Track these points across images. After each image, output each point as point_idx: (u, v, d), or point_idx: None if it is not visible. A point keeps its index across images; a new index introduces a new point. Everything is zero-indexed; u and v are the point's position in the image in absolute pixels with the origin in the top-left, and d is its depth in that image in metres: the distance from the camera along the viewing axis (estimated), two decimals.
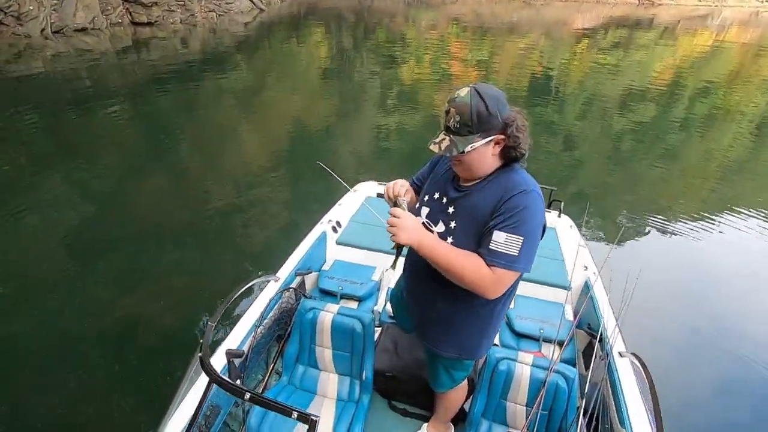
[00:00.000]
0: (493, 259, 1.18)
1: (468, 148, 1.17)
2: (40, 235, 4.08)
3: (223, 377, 1.26)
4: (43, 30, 12.30)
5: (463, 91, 1.17)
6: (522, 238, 1.16)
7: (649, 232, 4.61)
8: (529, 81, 11.27)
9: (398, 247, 1.28)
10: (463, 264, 1.19)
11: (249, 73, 11.01)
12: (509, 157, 1.24)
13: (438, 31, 19.55)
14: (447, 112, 1.19)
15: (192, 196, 5.00)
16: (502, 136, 1.19)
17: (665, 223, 4.77)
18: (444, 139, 1.20)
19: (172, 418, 1.45)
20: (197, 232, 4.27)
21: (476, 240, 1.24)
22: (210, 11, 17.95)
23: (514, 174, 1.25)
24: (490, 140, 1.19)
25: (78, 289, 3.41)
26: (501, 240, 1.17)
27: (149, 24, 15.25)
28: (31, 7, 11.88)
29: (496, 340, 2.17)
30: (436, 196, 1.37)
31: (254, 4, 20.99)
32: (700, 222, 4.82)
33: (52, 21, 12.57)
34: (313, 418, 1.12)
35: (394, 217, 1.22)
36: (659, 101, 9.67)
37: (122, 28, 14.55)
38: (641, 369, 1.67)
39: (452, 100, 1.18)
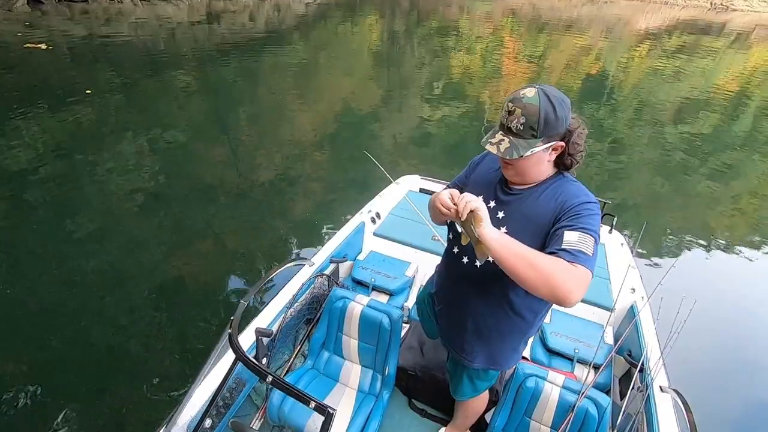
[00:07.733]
0: (575, 257, 0.97)
1: (528, 153, 1.01)
2: (110, 180, 4.30)
3: (249, 357, 1.22)
4: None
5: (530, 92, 0.99)
6: (593, 238, 1.01)
7: (711, 259, 4.05)
8: (582, 80, 10.42)
9: (466, 227, 1.01)
10: (549, 262, 0.97)
11: (304, 51, 10.89)
12: (562, 164, 1.11)
13: (492, 22, 18.46)
14: (510, 112, 1.00)
15: (243, 163, 5.06)
16: (562, 143, 1.06)
17: (727, 249, 4.20)
18: (503, 140, 1.03)
19: (198, 387, 1.43)
20: (244, 198, 4.32)
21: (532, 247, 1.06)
22: None
23: (572, 184, 1.12)
24: (550, 146, 1.05)
25: (134, 231, 3.58)
26: (574, 239, 1.00)
27: None
28: None
29: (527, 354, 1.99)
30: (481, 199, 1.19)
31: None
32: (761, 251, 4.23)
33: None
34: (330, 410, 1.06)
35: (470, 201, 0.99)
36: (721, 114, 8.64)
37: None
38: (683, 409, 1.46)
39: (517, 100, 0.99)
